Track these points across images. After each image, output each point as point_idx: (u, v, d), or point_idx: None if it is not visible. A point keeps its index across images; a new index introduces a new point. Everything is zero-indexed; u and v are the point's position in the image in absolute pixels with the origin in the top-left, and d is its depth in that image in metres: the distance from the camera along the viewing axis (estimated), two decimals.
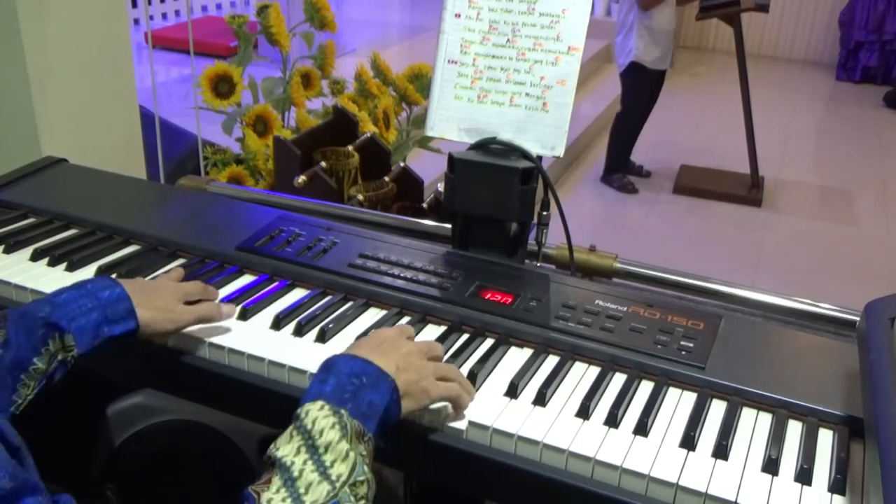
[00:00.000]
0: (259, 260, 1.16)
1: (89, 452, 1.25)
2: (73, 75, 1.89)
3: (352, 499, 0.71)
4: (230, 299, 1.07)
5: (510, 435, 0.86)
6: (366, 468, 0.74)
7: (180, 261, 1.18)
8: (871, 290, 1.08)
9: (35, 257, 1.17)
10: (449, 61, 1.21)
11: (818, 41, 7.63)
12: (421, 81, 2.50)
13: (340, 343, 1.00)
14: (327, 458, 0.72)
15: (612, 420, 0.88)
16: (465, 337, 1.03)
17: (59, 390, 0.89)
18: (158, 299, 0.96)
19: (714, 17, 4.62)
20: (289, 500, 0.69)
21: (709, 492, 0.79)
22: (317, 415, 0.74)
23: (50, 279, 1.11)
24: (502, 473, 0.86)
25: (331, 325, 1.02)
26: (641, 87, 4.50)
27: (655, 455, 0.84)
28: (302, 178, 1.89)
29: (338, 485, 0.71)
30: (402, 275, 1.12)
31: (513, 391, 0.92)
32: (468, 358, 0.98)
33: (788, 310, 1.19)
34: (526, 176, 1.15)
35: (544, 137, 1.17)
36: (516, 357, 1.00)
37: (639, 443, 0.86)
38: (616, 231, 4.26)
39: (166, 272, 1.12)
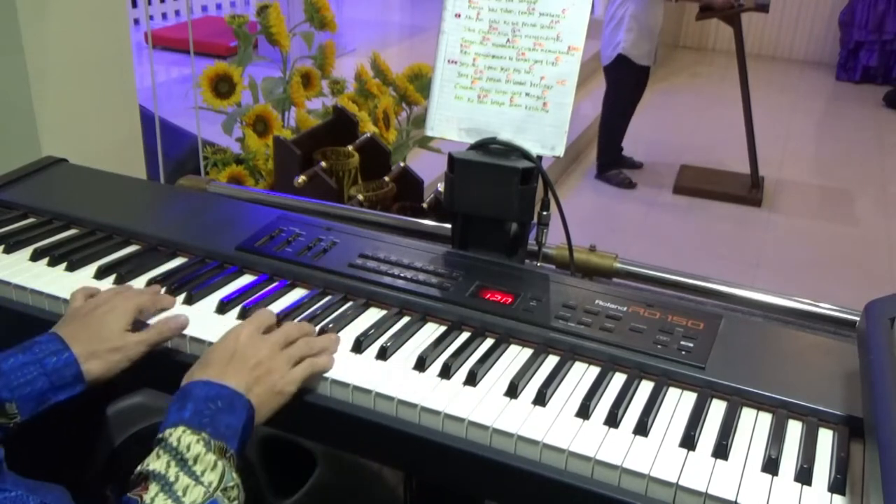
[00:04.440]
0: (259, 260, 1.16)
1: (89, 452, 1.25)
2: (73, 75, 1.89)
3: (226, 501, 0.76)
4: (230, 299, 1.07)
5: (510, 435, 0.86)
6: (234, 475, 0.79)
7: (180, 260, 1.18)
8: (871, 290, 1.08)
9: (35, 257, 1.17)
10: (449, 61, 1.21)
11: (818, 41, 7.64)
12: (421, 81, 2.50)
13: (340, 343, 1.00)
14: (198, 469, 0.76)
15: (612, 420, 0.88)
16: (465, 337, 1.03)
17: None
18: (106, 340, 0.94)
19: (714, 17, 4.62)
20: (170, 501, 0.73)
21: (709, 492, 0.79)
22: (180, 435, 0.78)
23: (50, 279, 1.12)
24: (502, 473, 0.86)
25: (331, 325, 1.02)
26: (626, 81, 4.52)
27: (655, 455, 0.84)
28: (302, 178, 1.89)
29: (211, 489, 0.76)
30: (402, 275, 1.12)
31: (513, 391, 0.92)
32: (468, 358, 0.98)
33: (788, 310, 1.19)
34: (526, 176, 1.15)
35: (544, 137, 1.17)
36: (516, 357, 1.00)
37: (639, 443, 0.86)
38: (616, 231, 4.26)
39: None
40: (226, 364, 0.88)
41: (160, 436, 0.79)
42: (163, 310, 1.05)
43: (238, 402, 0.84)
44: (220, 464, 0.78)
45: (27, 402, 0.87)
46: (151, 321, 1.01)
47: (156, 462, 0.76)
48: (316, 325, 1.03)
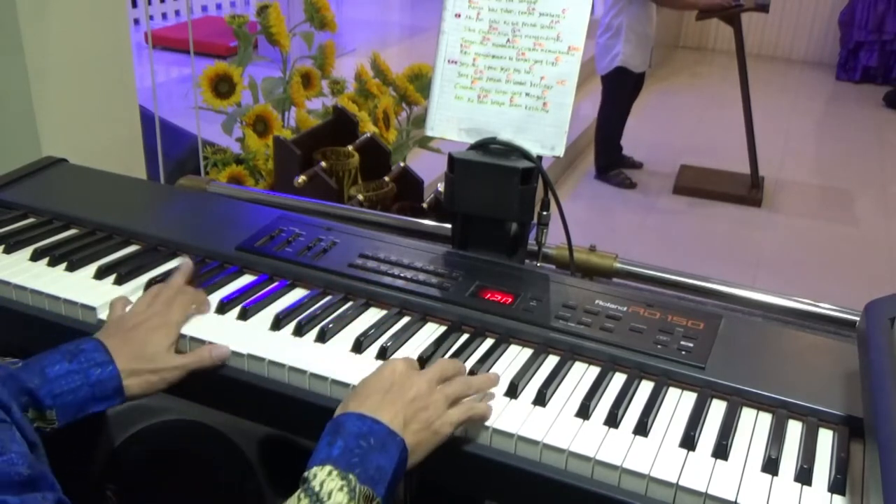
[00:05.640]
0: (259, 260, 1.16)
1: (89, 452, 1.25)
2: (73, 75, 1.89)
3: None
4: (230, 299, 1.07)
5: (510, 435, 0.86)
6: None
7: (180, 260, 1.18)
8: (871, 290, 1.08)
9: (35, 257, 1.17)
10: (449, 61, 1.21)
11: (818, 41, 7.64)
12: (421, 81, 2.50)
13: (340, 343, 1.00)
14: None
15: (612, 420, 0.88)
16: (465, 337, 1.03)
17: None
18: (149, 359, 0.95)
19: (714, 18, 4.62)
20: None
21: (709, 492, 0.79)
22: (325, 478, 0.75)
23: (50, 279, 1.12)
24: (502, 473, 0.86)
25: (331, 325, 1.02)
26: (624, 90, 4.53)
27: (655, 455, 0.84)
28: (302, 178, 1.89)
29: None
30: (402, 275, 1.12)
31: (513, 391, 0.92)
32: (468, 358, 0.98)
33: (788, 310, 1.19)
34: (526, 176, 1.15)
35: (544, 137, 1.17)
36: (516, 357, 1.00)
37: (639, 443, 0.86)
38: (616, 231, 4.26)
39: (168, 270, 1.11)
40: (382, 398, 0.84)
41: (305, 474, 0.76)
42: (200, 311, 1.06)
43: (392, 442, 0.80)
44: None
45: (68, 409, 0.88)
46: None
47: None
48: (316, 324, 1.03)
